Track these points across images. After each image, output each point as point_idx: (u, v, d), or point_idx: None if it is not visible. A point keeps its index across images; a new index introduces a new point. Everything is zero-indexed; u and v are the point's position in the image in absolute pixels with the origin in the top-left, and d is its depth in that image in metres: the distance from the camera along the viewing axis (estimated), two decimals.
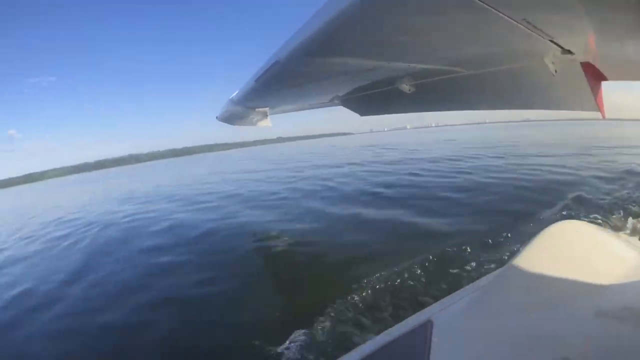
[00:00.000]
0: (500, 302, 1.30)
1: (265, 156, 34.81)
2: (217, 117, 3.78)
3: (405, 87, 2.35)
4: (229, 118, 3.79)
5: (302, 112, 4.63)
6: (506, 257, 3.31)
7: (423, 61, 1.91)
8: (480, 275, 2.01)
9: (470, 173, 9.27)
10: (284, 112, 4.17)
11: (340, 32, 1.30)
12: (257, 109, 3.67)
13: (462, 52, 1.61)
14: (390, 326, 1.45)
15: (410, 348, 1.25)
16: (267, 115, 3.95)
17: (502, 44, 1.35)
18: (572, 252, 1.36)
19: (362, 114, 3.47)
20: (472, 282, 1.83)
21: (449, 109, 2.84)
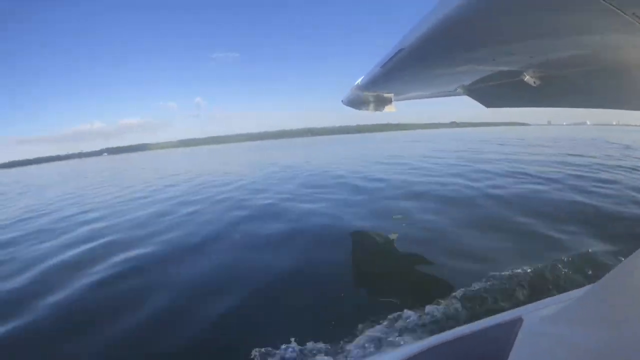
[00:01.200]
0: (592, 314, 1.25)
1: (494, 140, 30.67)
2: (342, 101, 4.16)
3: (530, 79, 2.20)
4: (355, 102, 4.11)
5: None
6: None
7: (544, 53, 1.80)
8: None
9: None
10: (408, 98, 4.26)
11: (464, 21, 1.34)
12: (382, 95, 3.88)
13: (581, 46, 1.50)
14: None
15: (496, 340, 1.32)
16: (392, 101, 4.12)
17: (616, 39, 1.24)
18: None
19: (487, 105, 3.28)
20: (571, 289, 1.75)
21: (575, 105, 2.47)
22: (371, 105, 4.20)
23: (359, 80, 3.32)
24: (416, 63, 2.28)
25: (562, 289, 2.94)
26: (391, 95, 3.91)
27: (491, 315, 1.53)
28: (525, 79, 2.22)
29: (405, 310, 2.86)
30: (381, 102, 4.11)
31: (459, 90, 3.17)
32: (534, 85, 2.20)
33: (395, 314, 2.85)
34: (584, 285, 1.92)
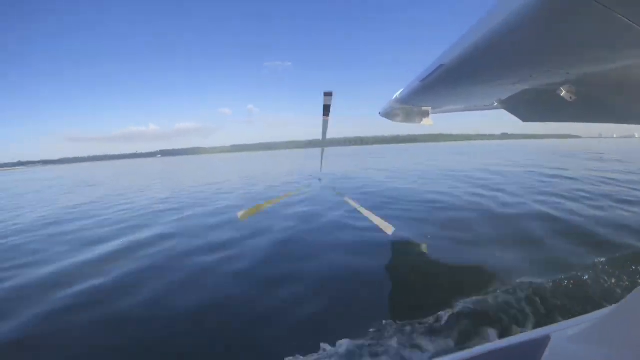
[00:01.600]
0: (618, 334, 1.27)
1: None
2: (379, 113, 4.34)
3: (567, 94, 2.27)
4: (392, 115, 4.27)
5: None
6: None
7: (581, 70, 1.87)
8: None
9: None
10: (446, 112, 4.36)
11: (504, 40, 1.41)
12: (420, 108, 4.02)
13: (617, 62, 1.56)
14: None
15: (523, 357, 1.37)
16: (429, 114, 4.26)
17: None
18: None
19: (524, 119, 3.31)
20: (598, 308, 1.79)
21: (613, 121, 2.47)
22: (408, 118, 4.34)
23: (397, 94, 3.48)
24: (455, 79, 2.34)
25: None
26: (429, 108, 4.04)
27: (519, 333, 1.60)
28: (562, 94, 2.28)
29: None
30: (419, 115, 4.24)
31: (495, 104, 3.26)
32: (570, 100, 2.26)
33: None
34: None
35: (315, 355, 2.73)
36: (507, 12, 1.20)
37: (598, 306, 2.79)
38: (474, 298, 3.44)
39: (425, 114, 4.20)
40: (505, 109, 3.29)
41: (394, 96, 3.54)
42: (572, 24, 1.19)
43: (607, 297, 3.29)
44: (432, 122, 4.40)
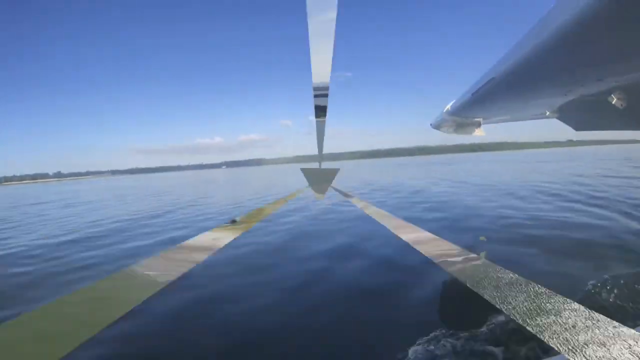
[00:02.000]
0: None
1: None
2: (431, 125, 4.55)
3: (618, 102, 2.35)
4: (443, 126, 4.47)
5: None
6: None
7: (632, 76, 1.95)
8: None
9: None
10: (497, 122, 4.46)
11: (553, 52, 1.43)
12: (471, 119, 4.18)
13: None
14: None
15: None
16: (480, 125, 4.39)
17: None
18: None
19: (576, 128, 3.34)
20: None
21: None
22: (460, 129, 4.50)
23: (448, 106, 3.68)
24: (506, 91, 2.44)
25: None
26: (480, 119, 4.18)
27: None
28: (613, 102, 2.37)
29: None
30: (470, 126, 4.39)
31: (547, 113, 3.35)
32: (621, 107, 2.35)
33: None
34: None
35: None
36: (555, 25, 1.21)
37: None
38: None
39: (477, 125, 4.34)
40: (558, 118, 3.36)
41: (445, 108, 3.75)
42: (622, 32, 1.18)
43: None
44: (484, 133, 4.53)
